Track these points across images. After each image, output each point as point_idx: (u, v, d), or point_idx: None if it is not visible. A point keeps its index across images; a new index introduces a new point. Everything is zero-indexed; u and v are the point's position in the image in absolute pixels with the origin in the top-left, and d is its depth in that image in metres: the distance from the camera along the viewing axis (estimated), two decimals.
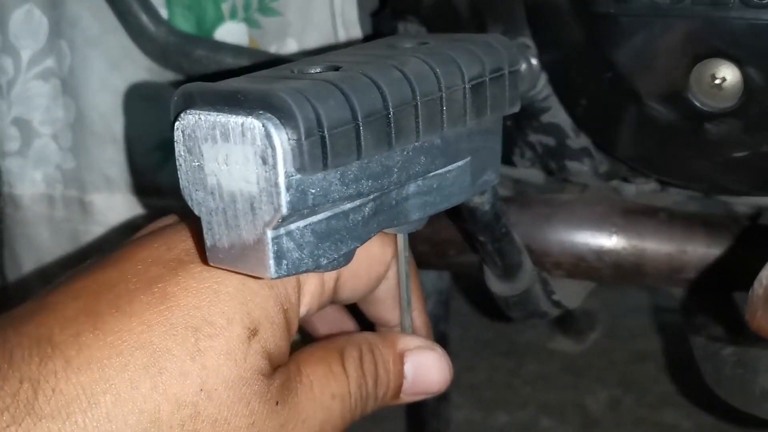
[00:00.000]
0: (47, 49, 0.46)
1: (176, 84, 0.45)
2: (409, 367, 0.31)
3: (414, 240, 0.32)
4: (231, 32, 0.46)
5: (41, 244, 0.49)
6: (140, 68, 0.46)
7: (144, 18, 0.45)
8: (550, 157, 0.42)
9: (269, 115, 0.22)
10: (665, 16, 0.30)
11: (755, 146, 0.32)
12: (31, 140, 0.48)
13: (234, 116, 0.22)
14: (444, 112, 0.27)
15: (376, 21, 0.49)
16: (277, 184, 0.22)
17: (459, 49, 0.28)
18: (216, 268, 0.25)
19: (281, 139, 0.22)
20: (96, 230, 0.48)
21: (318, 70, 0.25)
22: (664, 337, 0.85)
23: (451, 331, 0.67)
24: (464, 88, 0.28)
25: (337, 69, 0.25)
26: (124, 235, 0.49)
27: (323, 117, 0.22)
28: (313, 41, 0.48)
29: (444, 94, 0.27)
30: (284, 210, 0.23)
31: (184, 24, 0.45)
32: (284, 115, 0.22)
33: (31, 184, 0.49)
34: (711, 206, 0.42)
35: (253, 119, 0.22)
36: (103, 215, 0.48)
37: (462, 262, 0.47)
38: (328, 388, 0.27)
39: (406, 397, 0.31)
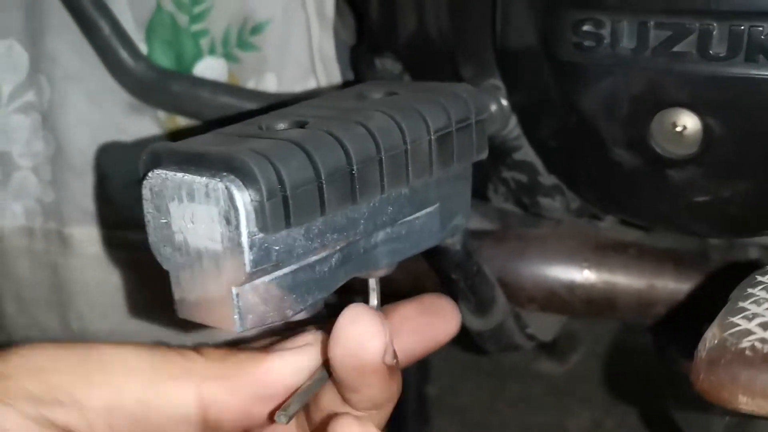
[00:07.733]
0: (27, 84, 0.46)
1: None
2: None
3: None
4: (210, 67, 0.47)
5: (20, 276, 0.49)
6: (119, 103, 0.46)
7: (123, 53, 0.45)
8: (523, 193, 0.42)
9: (232, 176, 0.23)
10: (627, 66, 0.31)
11: (716, 192, 0.32)
12: (11, 173, 0.48)
13: (199, 177, 0.23)
14: (409, 164, 0.28)
15: (353, 55, 0.49)
16: (240, 244, 0.23)
17: (424, 101, 0.29)
18: (186, 320, 0.26)
19: (244, 200, 0.23)
20: (75, 262, 0.48)
21: (284, 126, 0.26)
22: (644, 357, 0.85)
23: (433, 354, 0.68)
24: (429, 139, 0.28)
25: (302, 125, 0.26)
26: (102, 267, 0.49)
27: (285, 178, 0.23)
28: (291, 76, 0.48)
29: (408, 147, 0.27)
30: (247, 268, 0.23)
31: (163, 59, 0.46)
32: (246, 177, 0.23)
33: (10, 216, 0.49)
34: (683, 240, 0.43)
35: (216, 181, 0.23)
36: (82, 247, 0.48)
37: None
38: None
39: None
